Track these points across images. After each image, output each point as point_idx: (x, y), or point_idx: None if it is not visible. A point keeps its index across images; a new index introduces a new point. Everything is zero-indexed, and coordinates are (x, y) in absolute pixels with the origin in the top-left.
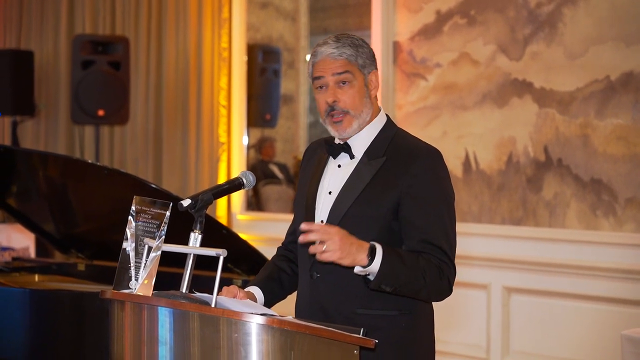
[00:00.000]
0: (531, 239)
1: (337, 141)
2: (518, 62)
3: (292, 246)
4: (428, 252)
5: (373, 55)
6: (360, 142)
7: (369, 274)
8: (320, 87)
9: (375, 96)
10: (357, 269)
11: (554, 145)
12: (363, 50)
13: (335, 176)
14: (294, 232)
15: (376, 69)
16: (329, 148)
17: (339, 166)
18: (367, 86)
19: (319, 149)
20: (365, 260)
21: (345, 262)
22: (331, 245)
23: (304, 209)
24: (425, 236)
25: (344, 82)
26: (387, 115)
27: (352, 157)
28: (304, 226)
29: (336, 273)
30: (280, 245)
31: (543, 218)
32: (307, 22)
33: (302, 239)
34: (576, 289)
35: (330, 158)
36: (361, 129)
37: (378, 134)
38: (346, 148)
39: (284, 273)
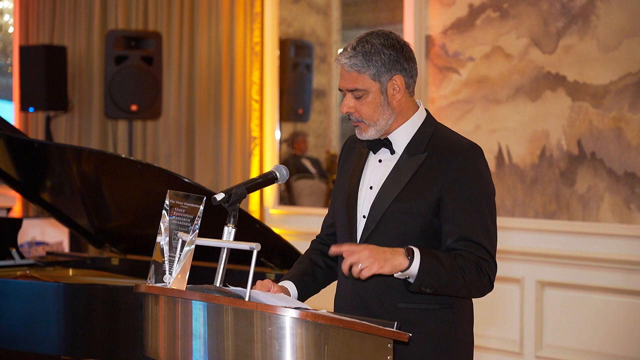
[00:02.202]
0: (565, 232)
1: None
2: (551, 56)
3: (330, 239)
4: (467, 249)
5: (396, 60)
6: (401, 138)
7: (408, 277)
8: (343, 94)
9: (404, 95)
10: (397, 274)
11: (587, 138)
12: (378, 58)
13: (376, 171)
14: (332, 224)
15: (400, 72)
16: (369, 143)
17: (380, 161)
18: (386, 93)
19: (358, 143)
20: (405, 262)
21: (386, 269)
22: (365, 260)
23: (345, 203)
24: (464, 233)
25: (357, 97)
26: (426, 110)
27: (392, 152)
28: (333, 250)
29: None
30: (315, 238)
31: (576, 212)
32: (339, 16)
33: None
34: (610, 283)
35: (371, 153)
36: (381, 133)
37: (418, 129)
38: (387, 143)
39: (318, 267)
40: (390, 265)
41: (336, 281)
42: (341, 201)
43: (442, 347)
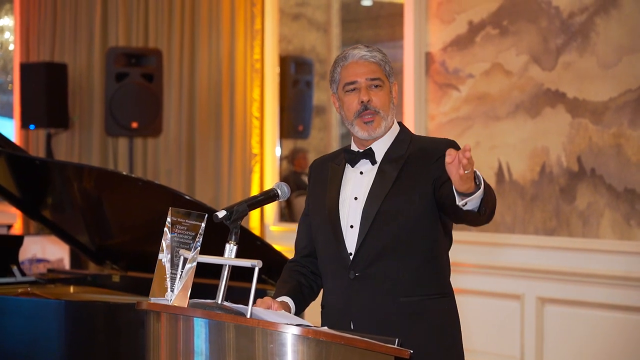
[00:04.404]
0: (565, 249)
1: (355, 149)
2: (551, 72)
3: (305, 261)
4: None
5: (393, 69)
6: (381, 148)
7: (466, 203)
8: (352, 90)
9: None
10: (461, 202)
11: (587, 155)
12: (388, 60)
13: (359, 183)
14: (307, 245)
15: (396, 81)
16: (349, 156)
17: (361, 173)
18: (391, 94)
19: (328, 162)
20: (473, 186)
21: (468, 187)
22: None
23: (327, 218)
24: None
25: (376, 86)
26: (399, 122)
27: (373, 163)
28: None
29: (377, 268)
30: (289, 262)
31: (576, 228)
32: (339, 33)
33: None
34: (610, 299)
35: (348, 167)
36: (385, 132)
37: (395, 138)
38: (369, 154)
39: (304, 285)
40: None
41: (314, 301)
42: (321, 217)
43: (446, 335)
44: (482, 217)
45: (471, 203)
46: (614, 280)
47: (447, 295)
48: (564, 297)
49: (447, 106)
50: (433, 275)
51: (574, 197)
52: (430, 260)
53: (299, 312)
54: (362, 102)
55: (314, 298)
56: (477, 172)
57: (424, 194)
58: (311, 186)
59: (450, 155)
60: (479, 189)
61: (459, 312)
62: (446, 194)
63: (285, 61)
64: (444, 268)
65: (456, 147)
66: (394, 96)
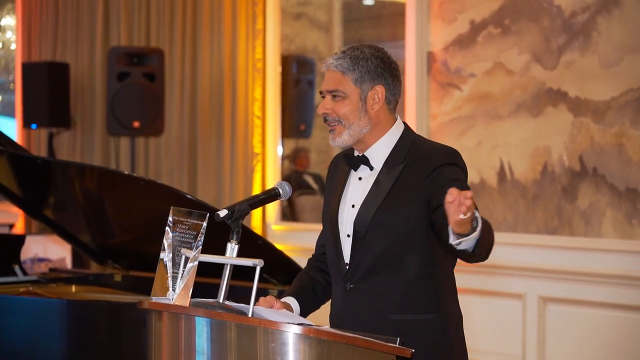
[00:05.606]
0: (566, 248)
1: (355, 153)
2: (552, 72)
3: (323, 258)
4: None
5: (382, 71)
6: (379, 153)
7: (460, 244)
8: (323, 97)
9: (383, 109)
10: (455, 241)
11: (589, 154)
12: (365, 65)
13: (357, 189)
14: (322, 245)
15: (383, 84)
16: (349, 160)
17: (360, 179)
18: (365, 101)
19: (342, 161)
20: (469, 228)
21: (464, 229)
22: (468, 214)
23: (330, 224)
24: None
25: (335, 96)
26: (404, 124)
27: (371, 168)
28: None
29: (369, 282)
30: (311, 256)
31: (578, 227)
32: (341, 32)
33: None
34: (612, 299)
35: (352, 171)
36: (354, 140)
37: (396, 143)
38: (364, 160)
39: (318, 283)
40: (465, 227)
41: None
42: (326, 222)
43: (436, 357)
44: (475, 257)
45: (465, 243)
46: (616, 279)
47: (443, 314)
48: (566, 297)
49: (448, 105)
50: (427, 293)
51: (575, 196)
52: (424, 278)
53: (309, 311)
54: (322, 113)
55: (331, 294)
56: (477, 214)
57: (415, 209)
58: (327, 184)
59: (451, 194)
60: (475, 230)
61: (461, 311)
62: (439, 225)
63: (287, 60)
64: (442, 285)
65: (456, 156)
66: (372, 102)
